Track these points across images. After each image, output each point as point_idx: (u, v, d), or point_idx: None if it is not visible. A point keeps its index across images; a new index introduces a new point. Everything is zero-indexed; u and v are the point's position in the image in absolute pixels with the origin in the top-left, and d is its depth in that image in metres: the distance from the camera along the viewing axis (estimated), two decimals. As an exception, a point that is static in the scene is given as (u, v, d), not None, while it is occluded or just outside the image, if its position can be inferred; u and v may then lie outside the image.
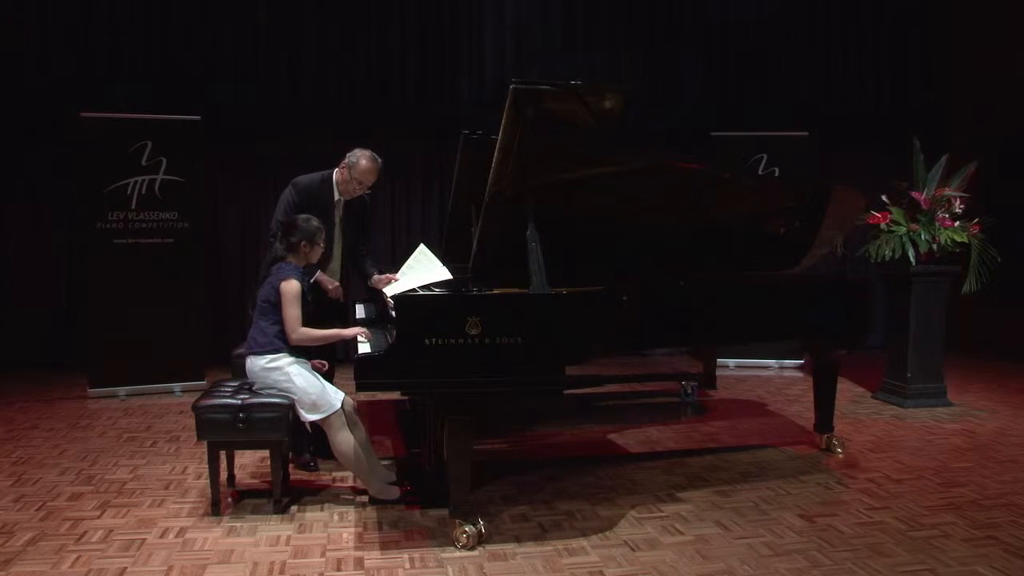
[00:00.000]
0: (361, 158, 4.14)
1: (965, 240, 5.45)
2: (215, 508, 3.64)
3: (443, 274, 3.68)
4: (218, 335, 6.61)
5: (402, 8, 7.23)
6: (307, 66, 7.07)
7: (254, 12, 6.95)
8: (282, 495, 3.70)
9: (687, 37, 7.77)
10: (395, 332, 3.18)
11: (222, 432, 3.61)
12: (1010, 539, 3.41)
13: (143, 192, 5.89)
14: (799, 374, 6.80)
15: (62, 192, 6.53)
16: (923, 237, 5.45)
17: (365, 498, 3.82)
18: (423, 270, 3.94)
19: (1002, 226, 5.72)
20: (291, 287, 3.64)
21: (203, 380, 5.90)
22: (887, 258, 5.51)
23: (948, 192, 5.46)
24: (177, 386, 5.99)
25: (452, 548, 3.28)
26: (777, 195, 4.47)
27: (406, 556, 3.23)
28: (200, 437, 3.65)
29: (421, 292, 3.61)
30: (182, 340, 5.96)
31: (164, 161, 5.91)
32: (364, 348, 3.74)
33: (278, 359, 3.65)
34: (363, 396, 5.37)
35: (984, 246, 5.49)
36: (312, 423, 3.73)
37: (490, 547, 3.30)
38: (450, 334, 3.15)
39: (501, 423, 5.16)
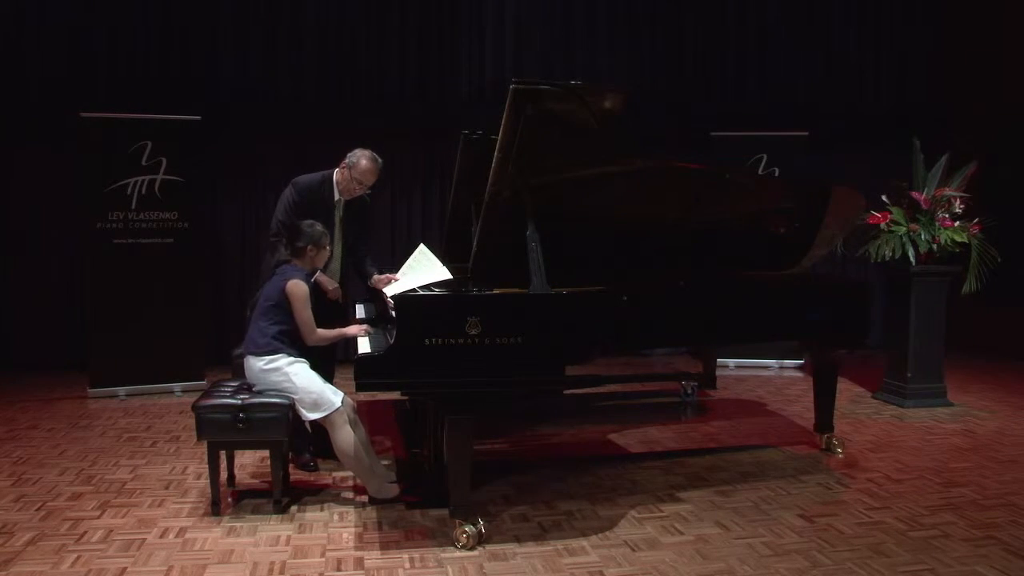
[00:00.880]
0: (361, 158, 4.14)
1: (965, 240, 5.45)
2: (215, 508, 3.64)
3: (443, 274, 3.68)
4: (218, 335, 6.60)
5: (402, 8, 7.22)
6: (307, 66, 7.06)
7: (254, 12, 6.95)
8: (282, 495, 3.70)
9: (687, 37, 7.77)
10: (395, 332, 3.18)
11: (222, 432, 3.61)
12: (1010, 539, 3.41)
13: (143, 192, 5.88)
14: (799, 374, 6.80)
15: (62, 192, 6.52)
16: (923, 237, 5.45)
17: (365, 498, 3.82)
18: (423, 270, 3.94)
19: (1002, 226, 5.71)
20: (300, 289, 3.64)
21: (203, 380, 5.90)
22: (887, 258, 5.51)
23: (948, 192, 5.46)
24: (177, 386, 5.99)
25: (452, 548, 3.28)
26: (777, 195, 4.47)
27: (406, 556, 3.23)
28: (200, 437, 3.65)
29: (421, 292, 3.62)
30: (182, 340, 5.96)
31: (164, 161, 5.90)
32: (364, 348, 3.74)
33: (276, 360, 3.65)
34: (363, 396, 5.37)
35: (984, 246, 5.49)
36: (313, 422, 3.73)
37: (490, 547, 3.30)
38: (450, 334, 3.15)
39: (501, 423, 5.16)
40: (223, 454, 3.78)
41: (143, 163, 5.86)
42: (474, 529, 3.31)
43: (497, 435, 4.94)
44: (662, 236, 4.15)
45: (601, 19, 7.59)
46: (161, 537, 3.40)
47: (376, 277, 4.28)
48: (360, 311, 4.62)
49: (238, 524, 3.54)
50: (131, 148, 5.82)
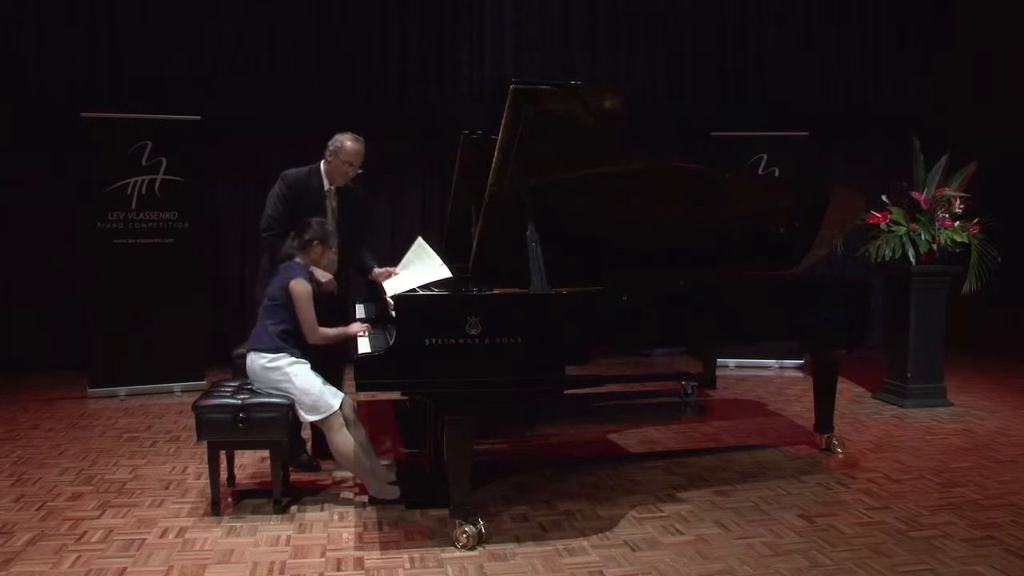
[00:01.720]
0: (344, 141, 4.15)
1: (965, 240, 5.45)
2: (215, 508, 3.64)
3: (442, 271, 3.69)
4: (218, 335, 6.60)
5: (402, 8, 7.22)
6: (307, 66, 7.07)
7: (254, 11, 6.95)
8: (282, 495, 3.70)
9: (687, 37, 7.77)
10: (395, 332, 3.18)
11: (222, 432, 3.61)
12: (1010, 539, 3.41)
13: (143, 192, 5.89)
14: (799, 374, 6.80)
15: (62, 192, 6.52)
16: (923, 237, 5.45)
17: (365, 498, 3.82)
18: (422, 266, 3.95)
19: (1002, 226, 5.71)
20: (302, 287, 3.64)
21: (203, 380, 5.90)
22: (887, 258, 5.50)
23: (948, 192, 5.46)
24: (177, 386, 5.99)
25: (452, 548, 3.28)
26: (777, 195, 4.47)
27: (406, 556, 3.23)
28: (200, 437, 3.65)
29: (421, 292, 3.62)
30: (182, 340, 5.96)
31: (164, 161, 5.90)
32: (364, 348, 3.74)
33: (278, 359, 3.65)
34: (363, 396, 5.38)
35: (984, 246, 5.49)
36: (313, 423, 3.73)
37: (490, 547, 3.30)
38: (450, 334, 3.15)
39: (501, 423, 5.16)
40: (223, 454, 3.78)
41: (143, 163, 5.86)
42: (474, 529, 3.31)
43: (497, 435, 4.94)
44: (662, 236, 4.15)
45: (601, 19, 7.59)
46: (161, 537, 3.40)
47: (376, 271, 4.29)
48: (360, 311, 4.62)
49: (238, 524, 3.54)
50: (131, 148, 5.82)
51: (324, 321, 3.82)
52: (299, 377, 3.64)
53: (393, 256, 4.68)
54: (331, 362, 3.95)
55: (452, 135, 4.32)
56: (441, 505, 3.54)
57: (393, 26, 7.22)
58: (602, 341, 3.60)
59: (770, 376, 6.78)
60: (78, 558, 3.20)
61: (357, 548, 3.31)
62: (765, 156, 6.88)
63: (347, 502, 3.82)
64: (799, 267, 4.57)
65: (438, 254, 3.97)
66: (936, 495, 3.93)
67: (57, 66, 6.64)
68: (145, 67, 6.78)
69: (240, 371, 3.85)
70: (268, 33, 6.99)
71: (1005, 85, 7.53)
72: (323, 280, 4.12)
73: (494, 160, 3.40)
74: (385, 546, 3.32)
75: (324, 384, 3.69)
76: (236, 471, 4.07)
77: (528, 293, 3.32)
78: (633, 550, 3.29)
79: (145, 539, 3.38)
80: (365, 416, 4.02)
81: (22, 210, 6.69)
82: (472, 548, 3.27)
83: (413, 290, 3.66)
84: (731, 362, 7.06)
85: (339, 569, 3.13)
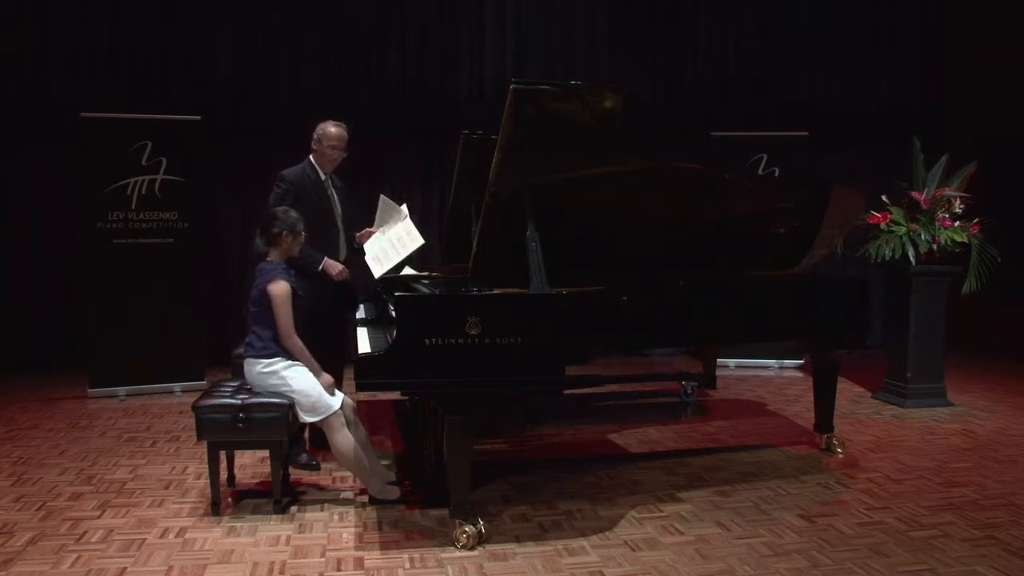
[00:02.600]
0: (327, 127, 4.30)
1: (965, 240, 5.45)
2: (215, 508, 3.64)
3: (415, 238, 3.74)
4: (218, 335, 6.61)
5: (402, 8, 7.22)
6: (307, 66, 7.07)
7: (254, 12, 6.95)
8: (282, 495, 3.70)
9: (687, 37, 7.77)
10: (395, 332, 3.18)
11: (222, 432, 3.61)
12: (1010, 539, 3.41)
13: (143, 192, 5.89)
14: (799, 374, 6.80)
15: (62, 192, 6.53)
16: (923, 237, 5.45)
17: (365, 498, 3.82)
18: (395, 227, 4.04)
19: (1002, 226, 5.71)
20: (280, 289, 3.61)
21: (203, 380, 5.90)
22: (887, 258, 5.50)
23: (948, 192, 5.46)
24: (177, 386, 5.99)
25: (452, 548, 3.28)
26: (777, 195, 4.47)
27: (406, 556, 3.23)
28: (200, 437, 3.65)
29: (421, 292, 3.62)
30: (182, 340, 5.96)
31: (164, 161, 5.91)
32: (364, 347, 3.75)
33: (274, 364, 3.65)
34: (363, 396, 5.37)
35: (984, 246, 5.48)
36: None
37: (490, 547, 3.30)
38: (450, 334, 3.15)
39: (501, 423, 5.16)
40: (223, 454, 3.78)
41: (143, 163, 5.87)
42: (474, 529, 3.31)
43: (497, 435, 4.94)
44: (662, 236, 4.16)
45: (601, 19, 7.59)
46: (161, 537, 3.40)
47: (358, 235, 4.46)
48: (360, 311, 4.62)
49: (238, 524, 3.54)
50: (131, 148, 5.83)
51: (323, 321, 3.82)
52: (296, 380, 3.64)
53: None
54: (330, 363, 3.95)
55: (452, 135, 4.32)
56: (441, 505, 3.54)
57: (393, 26, 7.22)
58: (602, 341, 3.60)
59: (770, 376, 6.78)
60: (78, 558, 3.20)
61: (357, 548, 3.31)
62: (765, 156, 6.88)
63: (347, 502, 3.82)
64: (799, 267, 4.57)
65: (438, 255, 3.98)
66: (936, 495, 3.93)
67: (57, 66, 6.64)
68: (145, 67, 6.78)
69: (240, 371, 3.85)
70: (268, 33, 6.99)
71: (1005, 85, 7.53)
72: (335, 272, 4.16)
73: (494, 160, 3.40)
74: (385, 546, 3.32)
75: (321, 374, 3.68)
76: (236, 471, 4.07)
77: (528, 293, 3.32)
78: (633, 550, 3.29)
79: (145, 539, 3.38)
80: (365, 416, 4.02)
81: (22, 210, 6.69)
82: (472, 548, 3.27)
83: (413, 289, 3.66)
84: (731, 362, 7.06)
85: (339, 569, 3.13)
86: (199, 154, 6.10)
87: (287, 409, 3.62)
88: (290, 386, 3.63)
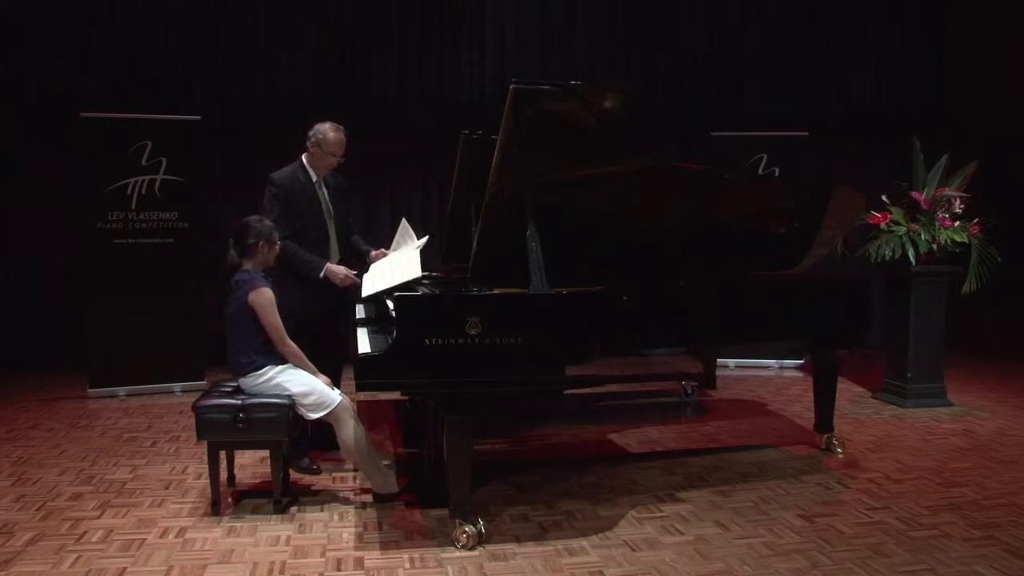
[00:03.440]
0: (327, 132, 4.15)
1: (965, 240, 5.45)
2: (215, 508, 3.64)
3: (413, 269, 3.74)
4: (218, 335, 6.56)
5: (402, 8, 7.23)
6: (307, 66, 7.07)
7: (254, 12, 6.95)
8: (282, 495, 3.70)
9: (687, 37, 7.77)
10: (395, 332, 3.18)
11: (222, 432, 3.61)
12: (1010, 539, 3.41)
13: (143, 192, 5.89)
14: (799, 374, 6.80)
15: (62, 192, 6.53)
16: (923, 237, 5.45)
17: (365, 498, 3.82)
18: (401, 256, 4.01)
19: (1002, 226, 5.71)
20: (264, 297, 3.58)
21: (203, 380, 5.90)
22: (887, 258, 5.50)
23: (948, 192, 5.46)
24: (177, 386, 5.99)
25: (452, 548, 3.28)
26: (777, 195, 4.47)
27: (406, 556, 3.23)
28: (200, 437, 3.65)
29: (421, 292, 3.62)
30: (182, 340, 5.96)
31: (164, 161, 5.91)
32: (364, 347, 3.74)
33: (266, 372, 3.64)
34: (363, 396, 5.37)
35: (984, 246, 5.48)
36: (313, 423, 3.73)
37: (490, 547, 3.30)
38: (450, 334, 3.15)
39: (501, 423, 5.16)
40: (223, 454, 3.78)
41: (143, 163, 5.87)
42: (474, 529, 3.31)
43: (497, 435, 4.94)
44: (662, 236, 4.16)
45: (601, 19, 7.59)
46: (161, 537, 3.40)
47: (372, 253, 4.39)
48: (360, 311, 4.62)
49: (238, 524, 3.54)
50: (131, 148, 5.83)
51: (322, 321, 3.81)
52: (292, 382, 3.64)
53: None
54: (328, 365, 3.94)
55: (452, 135, 4.32)
56: (441, 505, 3.54)
57: (393, 26, 7.23)
58: (602, 341, 3.60)
59: (770, 376, 6.78)
60: (78, 558, 3.20)
61: (357, 548, 3.31)
62: (765, 156, 6.88)
63: (347, 502, 3.82)
64: (799, 267, 4.57)
65: (438, 255, 3.97)
66: (936, 495, 3.93)
67: (57, 66, 6.64)
68: (145, 67, 6.78)
69: (240, 371, 3.85)
70: (268, 33, 6.99)
71: (1005, 85, 7.53)
72: (341, 277, 4.09)
73: (494, 160, 3.39)
74: (385, 546, 3.32)
75: (319, 382, 3.68)
76: (236, 471, 4.07)
77: (528, 293, 3.32)
78: (633, 550, 3.29)
79: (145, 539, 3.38)
80: (365, 416, 4.02)
81: (22, 210, 6.69)
82: (472, 548, 3.27)
83: (413, 290, 3.65)
84: (731, 362, 7.06)
85: (339, 569, 3.13)
86: (199, 154, 6.10)
87: (287, 409, 3.62)
88: (288, 389, 3.63)
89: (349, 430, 3.64)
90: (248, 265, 3.70)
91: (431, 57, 7.31)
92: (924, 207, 5.48)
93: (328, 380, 3.72)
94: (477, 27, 7.39)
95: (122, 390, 5.88)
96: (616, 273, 3.83)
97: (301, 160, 4.24)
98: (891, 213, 5.53)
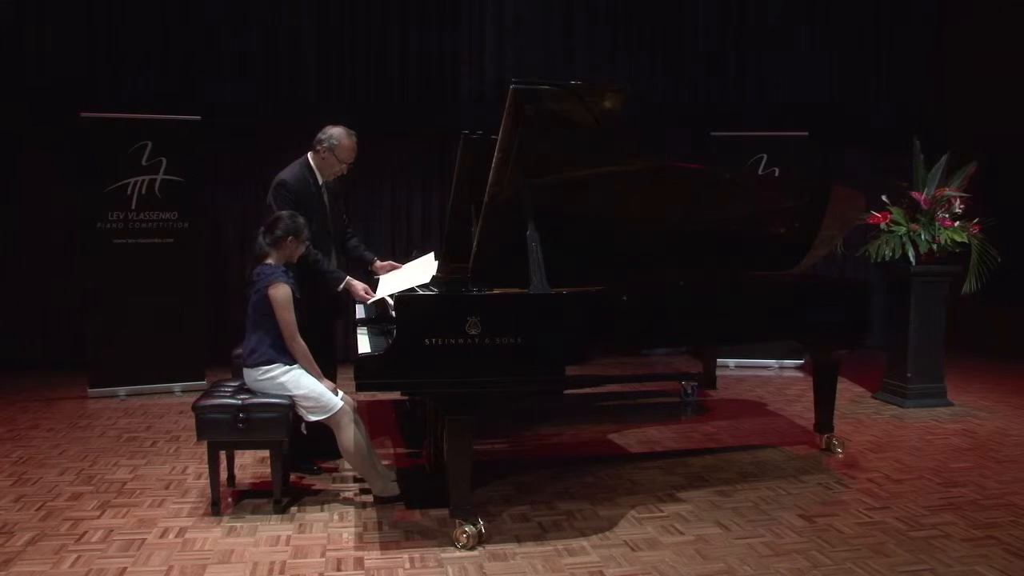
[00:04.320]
0: (342, 138, 4.10)
1: (965, 240, 5.45)
2: (215, 508, 3.64)
3: (422, 278, 3.74)
4: (218, 335, 6.60)
5: (402, 7, 7.23)
6: (307, 66, 7.07)
7: (254, 12, 6.95)
8: (282, 495, 3.70)
9: (687, 37, 7.77)
10: (395, 332, 3.18)
11: (222, 432, 3.61)
12: (1010, 539, 3.41)
13: (143, 192, 5.89)
14: (799, 374, 6.80)
15: (62, 192, 6.53)
16: (923, 237, 5.45)
17: (366, 498, 3.82)
18: (412, 273, 3.98)
19: (1002, 226, 5.71)
20: (281, 292, 3.59)
21: (203, 380, 5.90)
22: (887, 258, 5.51)
23: (948, 192, 5.46)
24: (177, 386, 5.99)
25: (452, 548, 3.28)
26: (777, 195, 4.48)
27: (406, 556, 3.23)
28: (200, 437, 3.65)
29: (421, 292, 3.62)
30: (182, 340, 5.96)
31: (164, 161, 5.90)
32: (364, 347, 3.74)
33: (273, 370, 3.64)
34: (363, 396, 5.37)
35: (984, 246, 5.49)
36: (314, 425, 3.72)
37: (490, 547, 3.30)
38: (450, 334, 3.15)
39: (501, 423, 5.16)
40: (223, 454, 3.78)
41: (143, 163, 5.86)
42: (474, 529, 3.31)
43: (497, 435, 4.94)
44: (662, 236, 4.15)
45: (601, 19, 7.59)
46: (161, 537, 3.40)
47: (378, 263, 4.32)
48: (360, 311, 4.62)
49: (238, 524, 3.54)
50: (131, 148, 5.82)
51: (322, 321, 3.81)
52: (295, 383, 3.63)
53: (393, 256, 4.70)
54: (326, 366, 3.93)
55: (452, 135, 4.32)
56: (441, 505, 3.54)
57: (393, 26, 7.22)
58: (602, 341, 3.60)
59: (770, 376, 6.78)
60: (78, 558, 3.20)
61: (357, 548, 3.31)
62: (765, 156, 6.88)
63: (347, 502, 3.82)
64: (799, 267, 4.57)
65: (438, 255, 3.97)
66: (936, 495, 3.93)
67: (57, 66, 6.64)
68: (145, 67, 6.78)
69: (240, 371, 3.85)
70: (268, 33, 6.99)
71: (1005, 85, 7.53)
72: (360, 294, 4.04)
73: (494, 160, 3.39)
74: (385, 546, 3.32)
75: (322, 385, 3.68)
76: (236, 471, 4.07)
77: (528, 293, 3.32)
78: (633, 550, 3.29)
79: (145, 539, 3.38)
80: (365, 416, 4.01)
81: (22, 210, 6.69)
82: (472, 548, 3.27)
83: (412, 290, 3.66)
84: (731, 362, 7.06)
85: (339, 569, 3.13)
86: (199, 154, 6.09)
87: (287, 409, 3.62)
88: (290, 390, 3.63)
89: (349, 434, 3.64)
90: (272, 258, 3.70)
91: (431, 57, 7.31)
92: (924, 207, 5.48)
93: (333, 385, 3.72)
94: (477, 27, 7.38)
95: (122, 390, 5.88)
96: (616, 273, 3.83)
97: (307, 161, 4.19)
98: (891, 213, 5.54)
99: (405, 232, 7.31)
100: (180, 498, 3.85)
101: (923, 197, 5.49)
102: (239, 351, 3.95)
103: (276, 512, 3.65)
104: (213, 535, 3.42)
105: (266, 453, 3.81)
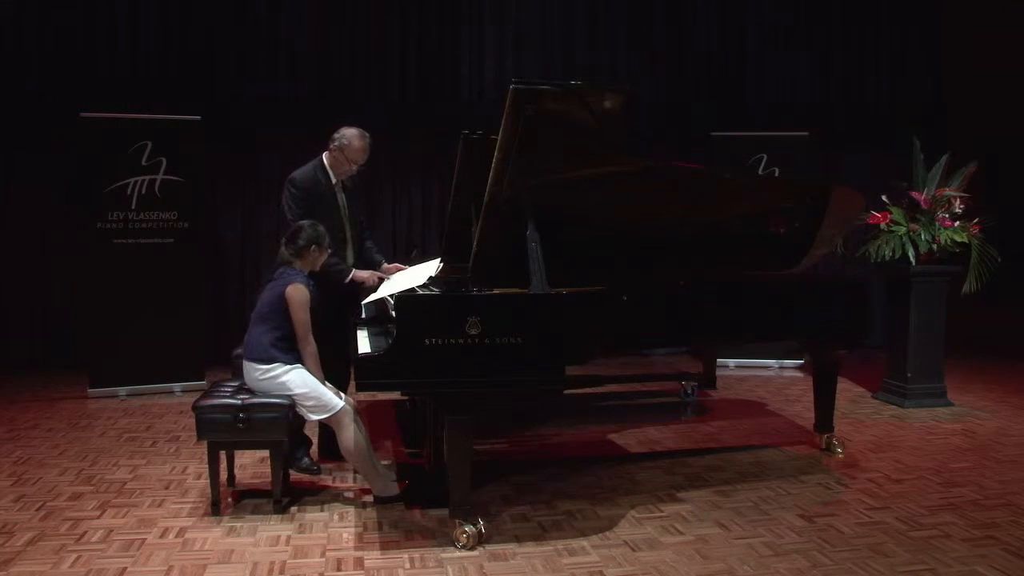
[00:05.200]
0: (353, 139, 4.15)
1: (965, 240, 5.45)
2: (215, 508, 3.64)
3: (420, 279, 3.77)
4: (218, 335, 6.60)
5: (402, 7, 7.23)
6: (307, 65, 7.07)
7: (254, 11, 6.95)
8: (282, 495, 3.70)
9: (687, 37, 7.77)
10: (395, 332, 3.18)
11: (222, 432, 3.61)
12: (1010, 539, 3.41)
13: (143, 192, 5.88)
14: (799, 374, 6.80)
15: (62, 192, 6.53)
16: (923, 237, 5.45)
17: (365, 498, 3.82)
18: (417, 274, 4.00)
19: (1002, 226, 5.71)
20: (300, 292, 3.61)
21: (203, 380, 5.90)
22: (887, 258, 5.50)
23: (948, 192, 5.46)
24: (177, 386, 5.98)
25: (452, 548, 3.28)
26: (777, 195, 4.47)
27: (406, 556, 3.23)
28: (200, 437, 3.65)
29: (421, 292, 3.62)
30: (182, 340, 5.96)
31: (164, 161, 5.90)
32: (364, 348, 3.74)
33: (274, 369, 3.64)
34: (363, 396, 5.37)
35: (984, 246, 5.48)
36: (320, 424, 3.73)
37: (490, 547, 3.30)
38: (450, 334, 3.15)
39: (501, 423, 5.16)
40: (223, 454, 3.78)
41: (143, 163, 5.86)
42: (474, 529, 3.31)
43: (497, 435, 4.94)
44: (662, 236, 4.15)
45: (601, 19, 7.59)
46: (161, 537, 3.40)
47: (385, 266, 4.35)
48: (360, 311, 4.61)
49: (238, 524, 3.54)
50: (131, 148, 5.82)
51: (328, 322, 3.81)
52: (295, 382, 3.63)
53: (393, 257, 4.70)
54: (338, 365, 3.94)
55: (452, 135, 4.32)
56: (441, 505, 3.54)
57: (394, 26, 7.22)
58: (602, 341, 3.60)
59: (770, 376, 6.78)
60: (78, 558, 3.20)
61: (357, 548, 3.31)
62: (765, 156, 6.88)
63: (347, 502, 3.82)
64: (799, 267, 4.57)
65: (438, 255, 3.97)
66: (936, 495, 3.93)
67: (57, 66, 6.64)
68: (145, 67, 6.78)
69: (240, 371, 3.85)
70: (268, 33, 6.99)
71: (1005, 85, 7.53)
72: (366, 277, 4.12)
73: (494, 160, 3.39)
74: (385, 546, 3.32)
75: (322, 383, 3.68)
76: (236, 471, 4.07)
77: (528, 293, 3.32)
78: (633, 550, 3.29)
79: (145, 539, 3.38)
80: (365, 416, 4.01)
81: (22, 210, 6.69)
82: (472, 548, 3.27)
83: (412, 290, 3.66)
84: (731, 362, 7.06)
85: (339, 569, 3.13)
86: (199, 154, 6.09)
87: (287, 409, 3.62)
88: (291, 390, 3.63)
89: (350, 434, 3.64)
90: (297, 265, 3.73)
91: (431, 57, 7.30)
92: (924, 207, 5.48)
93: (335, 388, 3.72)
94: (477, 27, 7.38)
95: (122, 390, 5.88)
96: (616, 273, 3.83)
97: (322, 160, 4.23)
98: (891, 213, 5.53)
99: (405, 232, 7.31)
100: (180, 498, 3.85)
101: (923, 197, 5.48)
102: (239, 351, 3.95)
103: (276, 512, 3.65)
104: (213, 535, 3.42)
105: (266, 453, 3.81)
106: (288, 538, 3.41)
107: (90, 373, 5.86)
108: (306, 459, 4.20)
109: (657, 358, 7.51)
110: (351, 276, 4.11)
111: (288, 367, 3.65)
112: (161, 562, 3.16)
